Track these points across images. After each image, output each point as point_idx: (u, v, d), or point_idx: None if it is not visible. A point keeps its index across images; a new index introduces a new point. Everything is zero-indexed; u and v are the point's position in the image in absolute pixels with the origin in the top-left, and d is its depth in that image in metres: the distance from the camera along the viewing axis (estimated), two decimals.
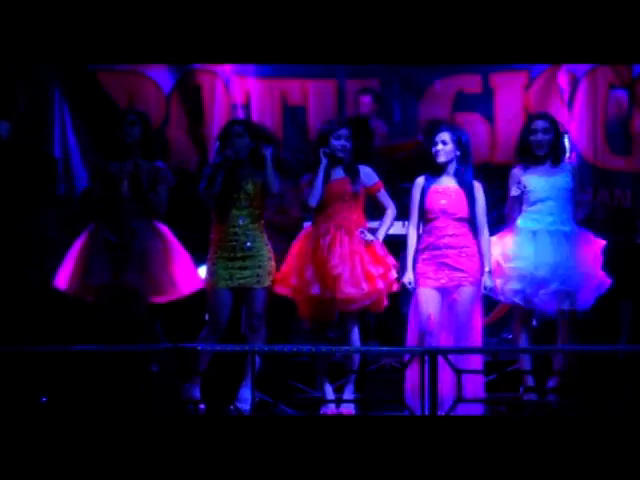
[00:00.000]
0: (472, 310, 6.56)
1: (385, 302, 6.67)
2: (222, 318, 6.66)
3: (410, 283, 6.57)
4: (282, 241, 7.02)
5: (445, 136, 6.64)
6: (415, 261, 6.62)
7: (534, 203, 6.76)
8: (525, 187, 6.77)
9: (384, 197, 6.79)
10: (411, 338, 6.56)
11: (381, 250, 6.66)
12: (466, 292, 6.55)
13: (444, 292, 6.56)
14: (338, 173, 6.72)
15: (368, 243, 6.63)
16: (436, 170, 6.67)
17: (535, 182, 6.76)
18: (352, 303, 6.58)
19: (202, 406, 6.37)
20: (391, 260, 6.66)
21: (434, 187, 6.65)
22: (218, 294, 6.67)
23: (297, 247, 6.76)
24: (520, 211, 6.81)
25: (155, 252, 6.72)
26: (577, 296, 6.67)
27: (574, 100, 8.29)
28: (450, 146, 6.63)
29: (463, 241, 6.60)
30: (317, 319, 6.70)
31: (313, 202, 6.66)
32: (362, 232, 6.67)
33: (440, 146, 6.64)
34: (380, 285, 6.59)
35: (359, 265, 6.58)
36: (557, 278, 6.62)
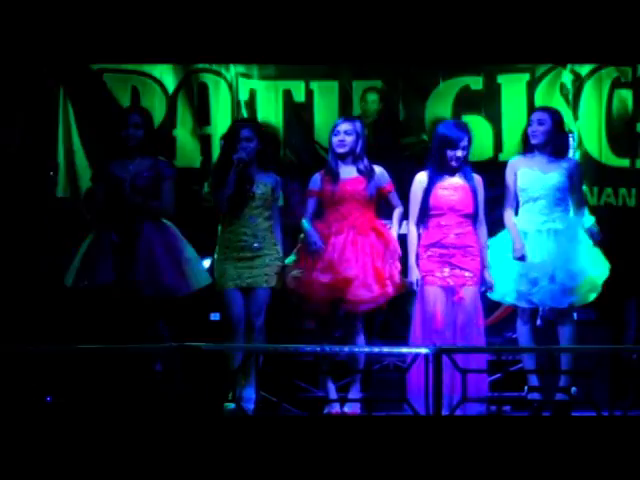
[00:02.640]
0: (476, 309, 6.58)
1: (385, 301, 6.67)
2: (238, 315, 6.67)
3: (417, 282, 6.57)
4: (286, 242, 7.00)
5: (467, 138, 6.66)
6: (419, 257, 6.62)
7: (526, 202, 6.75)
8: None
9: (394, 198, 6.80)
10: (415, 337, 6.57)
11: (394, 251, 6.65)
12: (470, 291, 6.58)
13: (449, 291, 6.57)
14: (351, 172, 6.71)
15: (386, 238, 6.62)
16: (441, 169, 6.67)
17: (528, 180, 6.72)
18: (361, 304, 6.57)
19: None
20: (399, 264, 6.65)
21: (440, 184, 6.65)
22: (228, 294, 6.69)
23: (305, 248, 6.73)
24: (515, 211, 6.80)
25: (160, 251, 6.72)
26: (571, 294, 6.63)
27: (578, 100, 8.28)
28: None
29: (468, 240, 6.61)
30: (320, 314, 6.67)
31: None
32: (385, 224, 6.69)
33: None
34: (389, 288, 6.59)
35: (371, 267, 6.57)
36: (546, 276, 6.60)
